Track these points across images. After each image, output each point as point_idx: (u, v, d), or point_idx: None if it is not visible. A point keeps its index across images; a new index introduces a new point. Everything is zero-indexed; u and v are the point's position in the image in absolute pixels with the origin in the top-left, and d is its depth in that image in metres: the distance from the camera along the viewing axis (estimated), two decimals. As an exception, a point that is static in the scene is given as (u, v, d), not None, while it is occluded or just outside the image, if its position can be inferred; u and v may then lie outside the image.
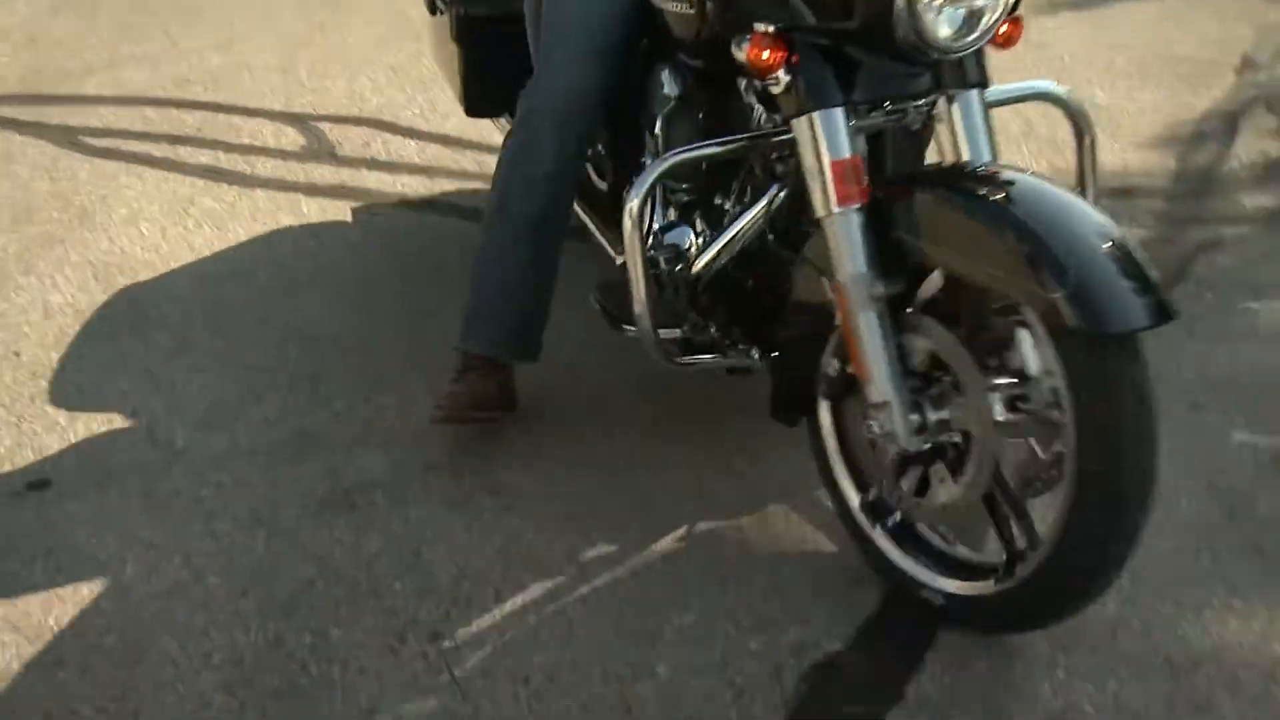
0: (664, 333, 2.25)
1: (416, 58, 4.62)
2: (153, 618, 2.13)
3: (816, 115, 1.91)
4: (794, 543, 2.28)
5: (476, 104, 2.98)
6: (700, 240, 2.34)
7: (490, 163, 3.57)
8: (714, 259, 2.26)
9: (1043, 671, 1.96)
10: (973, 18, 1.84)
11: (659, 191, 2.42)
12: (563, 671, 1.99)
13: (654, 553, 2.19)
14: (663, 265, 2.35)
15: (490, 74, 2.87)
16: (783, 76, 1.93)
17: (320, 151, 4.04)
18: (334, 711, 1.94)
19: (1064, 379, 1.72)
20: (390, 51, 4.82)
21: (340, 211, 3.61)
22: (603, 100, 2.41)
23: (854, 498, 2.14)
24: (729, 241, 2.23)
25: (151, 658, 2.04)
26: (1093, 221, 1.73)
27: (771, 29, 1.92)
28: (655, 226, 2.40)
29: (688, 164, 2.19)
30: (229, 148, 4.10)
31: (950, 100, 1.98)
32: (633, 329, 2.27)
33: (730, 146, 2.16)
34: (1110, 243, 1.70)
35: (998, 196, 1.78)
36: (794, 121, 1.95)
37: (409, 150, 4.03)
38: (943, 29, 1.82)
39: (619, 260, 2.46)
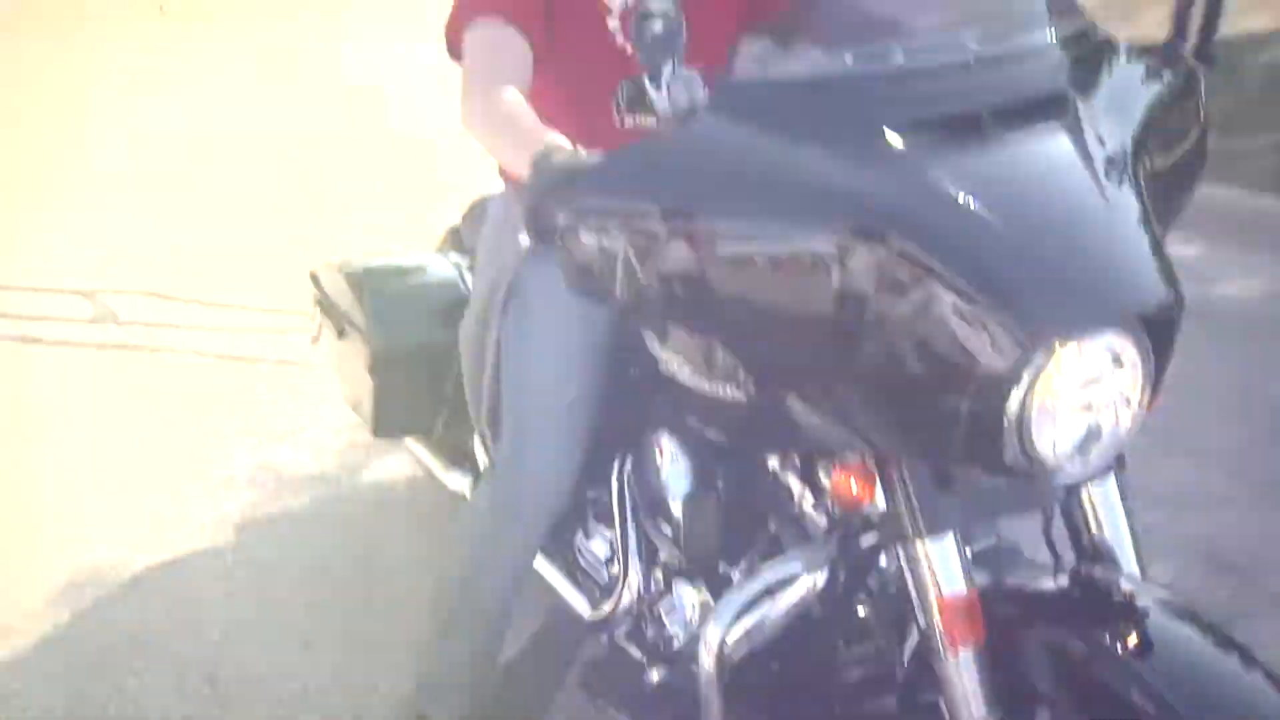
0: None
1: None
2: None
3: (924, 545, 1.56)
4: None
5: (386, 429, 2.85)
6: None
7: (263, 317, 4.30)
8: (739, 642, 1.77)
9: None
10: (1093, 436, 1.45)
11: (638, 544, 2.08)
12: (309, 693, 2.64)
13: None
14: (662, 646, 2.00)
15: (404, 401, 2.78)
16: (878, 504, 1.62)
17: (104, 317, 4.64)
18: (131, 740, 2.54)
19: None
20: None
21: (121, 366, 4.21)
22: (580, 485, 2.03)
23: None
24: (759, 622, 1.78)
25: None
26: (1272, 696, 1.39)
27: (862, 459, 1.62)
28: (636, 580, 2.05)
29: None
30: (16, 319, 4.65)
31: (1078, 489, 1.66)
32: None
33: (812, 560, 1.74)
34: None
35: (1138, 651, 1.45)
36: (895, 545, 1.60)
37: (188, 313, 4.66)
38: (1061, 450, 1.42)
39: (586, 616, 2.20)
